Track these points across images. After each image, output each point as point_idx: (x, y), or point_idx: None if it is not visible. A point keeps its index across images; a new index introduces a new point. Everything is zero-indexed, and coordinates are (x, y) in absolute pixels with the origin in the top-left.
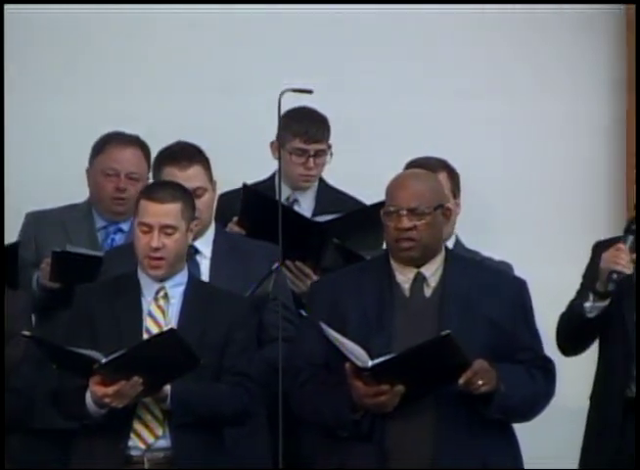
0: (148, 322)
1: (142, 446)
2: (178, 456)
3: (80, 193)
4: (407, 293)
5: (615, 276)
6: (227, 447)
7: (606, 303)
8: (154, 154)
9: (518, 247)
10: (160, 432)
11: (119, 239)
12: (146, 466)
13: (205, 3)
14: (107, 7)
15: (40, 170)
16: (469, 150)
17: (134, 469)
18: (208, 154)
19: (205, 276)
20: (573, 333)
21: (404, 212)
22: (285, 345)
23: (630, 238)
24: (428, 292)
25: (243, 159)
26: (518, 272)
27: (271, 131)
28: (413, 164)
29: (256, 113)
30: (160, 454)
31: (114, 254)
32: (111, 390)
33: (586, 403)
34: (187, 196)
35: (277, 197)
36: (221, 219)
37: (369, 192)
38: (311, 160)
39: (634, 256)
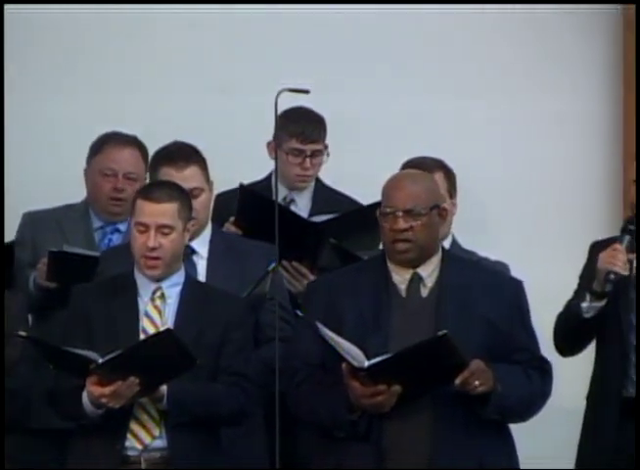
0: (144, 322)
1: (139, 447)
2: (175, 456)
3: (80, 193)
4: (404, 293)
5: (612, 277)
6: (224, 448)
7: (603, 303)
8: (151, 154)
9: (515, 247)
10: (156, 432)
11: (117, 239)
12: (143, 466)
13: (204, 3)
14: (107, 7)
15: (40, 170)
16: (465, 150)
17: (131, 469)
18: (205, 154)
19: (201, 276)
20: (571, 333)
21: (400, 214)
22: (281, 345)
23: (627, 238)
24: (424, 292)
25: (240, 159)
26: (514, 272)
27: (268, 131)
28: (409, 165)
29: (253, 113)
30: (156, 455)
31: (110, 254)
32: (107, 390)
33: (582, 404)
34: (184, 196)
35: (274, 197)
36: (218, 219)
37: (366, 192)
38: (308, 160)
39: (631, 255)
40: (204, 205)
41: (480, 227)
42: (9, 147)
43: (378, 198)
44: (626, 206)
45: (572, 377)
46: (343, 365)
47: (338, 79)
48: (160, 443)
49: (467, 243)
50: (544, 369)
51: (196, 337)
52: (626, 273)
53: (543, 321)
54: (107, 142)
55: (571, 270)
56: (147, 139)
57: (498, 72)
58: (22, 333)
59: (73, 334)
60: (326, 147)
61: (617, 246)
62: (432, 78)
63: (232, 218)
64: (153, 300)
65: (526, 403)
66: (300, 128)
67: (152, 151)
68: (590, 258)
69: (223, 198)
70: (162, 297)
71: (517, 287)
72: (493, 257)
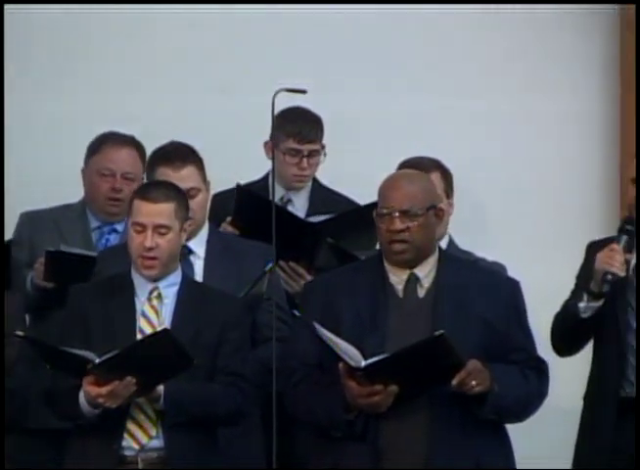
0: (141, 322)
1: (136, 447)
2: (172, 456)
3: (80, 193)
4: (401, 293)
5: (609, 277)
6: (221, 448)
7: (600, 303)
8: (149, 154)
9: (512, 247)
10: (153, 432)
11: (114, 239)
12: (140, 466)
13: (203, 3)
14: (107, 7)
15: (40, 170)
16: (463, 150)
17: (128, 469)
18: (202, 154)
19: (198, 276)
20: (568, 333)
21: (396, 214)
22: (279, 345)
23: (624, 238)
24: (421, 292)
25: (237, 159)
26: (511, 272)
27: (265, 131)
28: (406, 165)
29: (250, 113)
30: (153, 454)
31: (107, 254)
32: (104, 390)
33: (579, 404)
34: (181, 196)
35: (270, 197)
36: (215, 219)
37: (363, 192)
38: (305, 160)
39: (628, 255)
40: (200, 205)
41: (477, 227)
42: (9, 147)
43: (375, 198)
44: (623, 206)
45: (569, 377)
46: (340, 365)
47: (335, 79)
48: (157, 443)
49: (464, 243)
50: (541, 369)
51: (193, 337)
52: (623, 274)
53: (540, 321)
54: (104, 142)
55: (569, 271)
56: (145, 139)
57: (496, 73)
58: (20, 333)
59: (71, 334)
60: (323, 147)
61: (615, 246)
62: (429, 78)
63: (229, 218)
64: (150, 300)
65: (523, 404)
66: (298, 128)
67: (149, 151)
68: (587, 259)
69: (220, 198)
70: (159, 297)
71: (513, 287)
72: (490, 257)
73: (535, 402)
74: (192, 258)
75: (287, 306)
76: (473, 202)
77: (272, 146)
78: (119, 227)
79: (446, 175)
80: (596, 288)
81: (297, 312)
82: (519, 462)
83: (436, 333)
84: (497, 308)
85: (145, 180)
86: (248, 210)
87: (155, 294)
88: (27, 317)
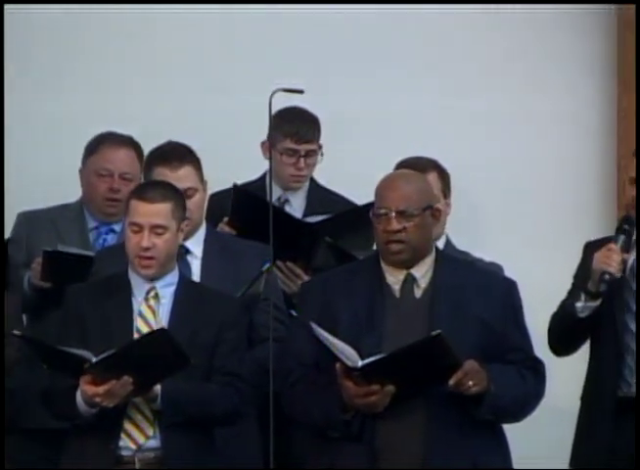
0: (138, 322)
1: (132, 447)
2: (168, 456)
3: (80, 193)
4: (397, 294)
5: (606, 277)
6: (218, 447)
7: (597, 302)
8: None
9: (509, 247)
10: (150, 432)
11: (111, 239)
12: (137, 466)
13: (201, 3)
14: (107, 7)
15: (40, 170)
16: (462, 150)
17: (125, 469)
18: (199, 154)
19: (195, 276)
20: (565, 333)
21: (393, 215)
22: (275, 345)
23: (622, 238)
24: (418, 293)
25: (234, 159)
26: (509, 273)
27: (262, 131)
28: (403, 165)
29: (248, 113)
30: (150, 454)
31: (104, 254)
32: (101, 389)
33: (576, 404)
34: (178, 196)
35: (268, 197)
36: (212, 219)
37: (361, 192)
38: (302, 160)
39: (626, 255)
40: (198, 205)
41: (474, 227)
42: (9, 147)
43: (371, 198)
44: (621, 206)
45: (567, 377)
46: (337, 365)
47: (334, 79)
48: (154, 442)
49: (461, 243)
50: (537, 369)
51: (190, 337)
52: (619, 275)
53: (537, 321)
54: (102, 142)
55: (566, 271)
56: (143, 139)
57: (494, 72)
58: (17, 332)
59: (68, 334)
60: (320, 147)
61: (612, 246)
62: (427, 78)
63: (226, 218)
64: (147, 300)
65: (520, 404)
66: (295, 128)
67: (147, 151)
68: (584, 259)
69: (217, 198)
70: (156, 297)
71: (510, 287)
72: (487, 257)
73: (532, 403)
74: (189, 257)
75: (284, 307)
76: (470, 202)
77: (269, 146)
78: (117, 227)
79: (443, 175)
80: (593, 288)
81: (294, 312)
82: (516, 462)
83: (433, 333)
84: (494, 309)
85: (142, 180)
86: (245, 210)
87: (152, 294)
88: (25, 317)
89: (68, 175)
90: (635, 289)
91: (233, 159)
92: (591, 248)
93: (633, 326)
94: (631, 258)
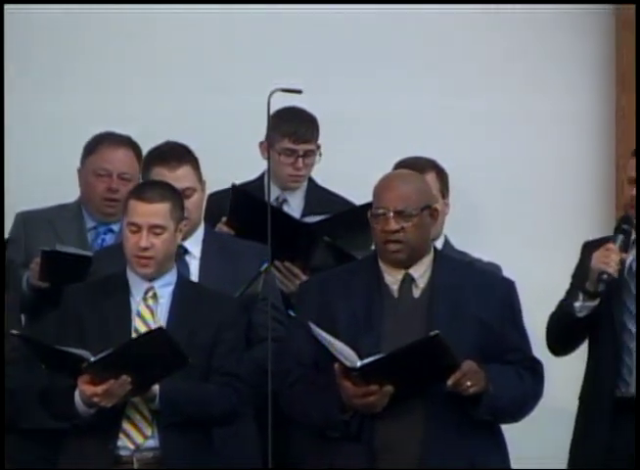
0: (137, 322)
1: (131, 447)
2: (167, 456)
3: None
4: (396, 294)
5: (605, 277)
6: (216, 447)
7: (596, 302)
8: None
9: (508, 247)
10: (148, 432)
11: (110, 239)
12: (135, 466)
13: (200, 3)
14: (107, 7)
15: (40, 170)
16: (460, 150)
17: (123, 469)
18: (198, 154)
19: (194, 276)
20: (563, 333)
21: (391, 215)
22: (274, 345)
23: (620, 237)
24: (416, 293)
25: (232, 159)
26: (507, 273)
27: (261, 131)
28: (402, 165)
29: (246, 113)
30: (148, 454)
31: (103, 254)
32: (99, 389)
33: (574, 404)
34: (176, 196)
35: (266, 197)
36: (210, 219)
37: (360, 192)
38: (300, 160)
39: (624, 255)
40: (196, 204)
41: (473, 228)
42: (9, 147)
43: (370, 198)
44: (619, 206)
45: (565, 377)
46: (336, 365)
47: (333, 79)
48: (153, 442)
49: (460, 243)
50: (536, 370)
51: (188, 337)
52: (616, 275)
53: (536, 322)
54: (101, 142)
55: (564, 270)
56: (141, 139)
57: (492, 72)
58: (14, 332)
59: (66, 334)
60: (318, 147)
61: (611, 245)
62: (427, 78)
63: (224, 219)
64: (145, 300)
65: (518, 404)
66: (293, 128)
67: (146, 151)
68: (583, 258)
69: (215, 198)
70: (155, 297)
71: (508, 287)
72: (486, 257)
73: (530, 403)
74: (187, 257)
75: (282, 307)
76: (469, 202)
77: (268, 146)
78: (115, 227)
79: (442, 175)
80: (592, 287)
81: (292, 313)
82: (514, 462)
83: (432, 333)
84: (492, 309)
85: (141, 180)
86: (243, 210)
87: (150, 294)
88: (23, 317)
89: (67, 175)
90: (633, 289)
91: (231, 159)
92: (589, 248)
93: (631, 326)
94: (630, 257)
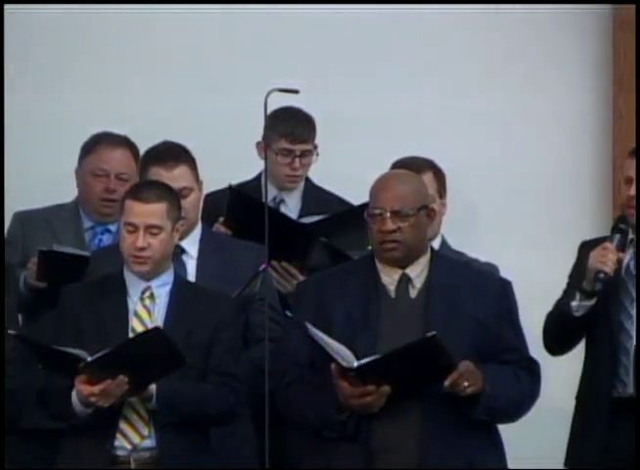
0: (134, 322)
1: (128, 447)
2: (164, 456)
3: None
4: (392, 294)
5: (601, 276)
6: (213, 447)
7: (592, 301)
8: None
9: (504, 247)
10: (145, 432)
11: (107, 239)
12: (132, 466)
13: (199, 3)
14: (107, 7)
15: (40, 170)
16: (458, 150)
17: (120, 469)
18: (195, 153)
19: (191, 276)
20: (560, 332)
21: (388, 215)
22: (271, 345)
23: (617, 237)
24: (413, 293)
25: (229, 159)
26: (504, 273)
27: (258, 131)
28: (399, 165)
29: (243, 112)
30: (145, 454)
31: (100, 254)
32: (97, 389)
33: (571, 404)
34: (173, 196)
35: (263, 197)
36: (207, 219)
37: (356, 192)
38: (297, 160)
39: (621, 254)
40: (193, 204)
41: (469, 227)
42: (9, 147)
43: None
44: (616, 205)
45: (562, 377)
46: (333, 365)
47: (333, 79)
48: (150, 442)
49: (457, 243)
50: (532, 370)
51: (185, 337)
52: (612, 275)
53: (532, 322)
54: (98, 142)
55: (561, 270)
56: (142, 139)
57: (489, 72)
58: (12, 331)
59: (63, 334)
60: (315, 147)
61: (608, 245)
62: (424, 78)
63: (221, 219)
64: (142, 299)
65: (515, 404)
66: (290, 128)
67: (143, 151)
68: (580, 258)
69: (212, 198)
70: (152, 296)
71: (505, 287)
72: (483, 257)
73: (527, 403)
74: (184, 257)
75: (279, 307)
76: (466, 202)
77: (265, 146)
78: (113, 228)
79: (439, 175)
80: (589, 286)
81: (289, 313)
82: (511, 462)
83: (429, 334)
84: (489, 309)
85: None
86: (240, 210)
87: (147, 294)
88: (20, 317)
89: (67, 175)
90: (630, 288)
91: (229, 159)
92: (586, 247)
93: (628, 326)
94: (627, 257)
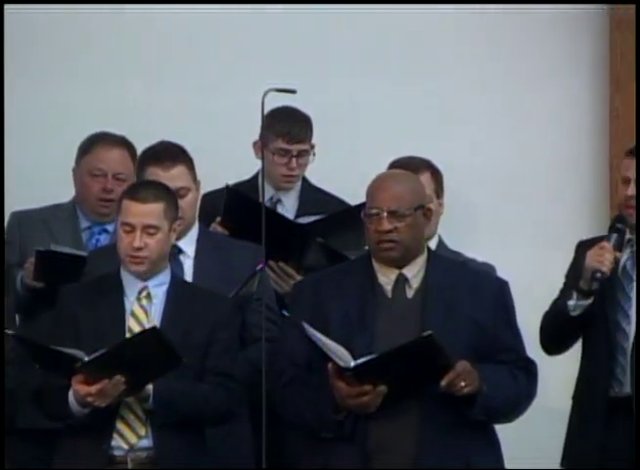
0: (131, 322)
1: (125, 447)
2: (161, 456)
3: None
4: (389, 294)
5: (598, 275)
6: (210, 447)
7: (589, 301)
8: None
9: (501, 247)
10: (142, 432)
11: (104, 239)
12: (129, 466)
13: (198, 3)
14: (107, 7)
15: (40, 170)
16: (454, 149)
17: (117, 469)
18: (192, 153)
19: (188, 276)
20: (557, 331)
21: (384, 215)
22: (268, 345)
23: (614, 236)
24: (410, 293)
25: (226, 159)
26: (501, 272)
27: (255, 131)
28: (396, 164)
29: (241, 112)
30: (142, 454)
31: (97, 254)
32: (93, 389)
33: (568, 403)
34: (170, 196)
35: (260, 197)
36: (204, 219)
37: (353, 192)
38: (294, 160)
39: (618, 254)
40: (190, 204)
41: (466, 228)
42: (9, 146)
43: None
44: (613, 205)
45: (558, 377)
46: (329, 365)
47: (327, 79)
48: (147, 442)
49: (454, 243)
50: (529, 370)
51: (182, 337)
52: (608, 274)
53: (529, 321)
54: (95, 142)
55: (558, 270)
56: (141, 139)
57: (487, 73)
58: (9, 331)
59: (60, 334)
60: (312, 147)
61: (605, 244)
62: (421, 78)
63: (218, 219)
64: (139, 299)
65: (512, 404)
66: (286, 128)
67: (140, 151)
68: (576, 257)
69: (210, 198)
70: (148, 296)
71: (502, 287)
72: (480, 257)
73: (524, 403)
74: (182, 257)
75: (276, 307)
76: (463, 202)
77: (262, 146)
78: (110, 228)
79: (436, 175)
80: (585, 286)
81: (285, 313)
82: (508, 462)
83: (425, 333)
84: (486, 309)
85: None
86: (237, 210)
87: (144, 294)
88: (17, 317)
89: (67, 175)
90: (627, 288)
91: (226, 158)
92: (583, 247)
93: (625, 325)
94: (624, 257)
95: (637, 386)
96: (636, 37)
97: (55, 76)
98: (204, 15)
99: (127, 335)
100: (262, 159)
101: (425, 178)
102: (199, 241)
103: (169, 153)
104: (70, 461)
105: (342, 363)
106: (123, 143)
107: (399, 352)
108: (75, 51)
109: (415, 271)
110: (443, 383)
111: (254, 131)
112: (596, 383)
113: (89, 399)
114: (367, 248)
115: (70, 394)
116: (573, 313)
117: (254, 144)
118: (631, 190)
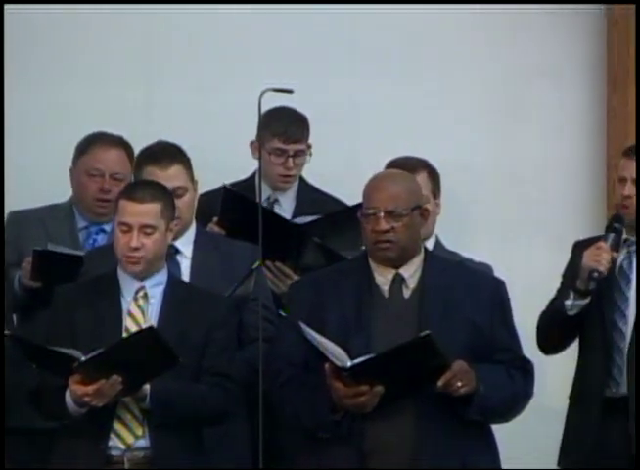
0: (127, 322)
1: (122, 446)
2: (158, 456)
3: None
4: (386, 294)
5: (595, 275)
6: (207, 447)
7: (586, 300)
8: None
9: (498, 247)
10: (139, 432)
11: (101, 239)
12: (126, 466)
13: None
14: (107, 7)
15: (40, 170)
16: (452, 149)
17: (114, 469)
18: (189, 153)
19: (185, 276)
20: (554, 331)
21: (381, 215)
22: (265, 345)
23: (611, 236)
24: (407, 293)
25: (224, 158)
26: (498, 272)
27: (252, 131)
28: (393, 164)
29: (238, 112)
30: (139, 454)
31: (94, 254)
32: (90, 388)
33: (565, 403)
34: (167, 196)
35: (257, 197)
36: (202, 219)
37: (350, 192)
38: (290, 160)
39: (615, 254)
40: (187, 204)
41: (464, 228)
42: (9, 147)
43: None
44: (610, 205)
45: (555, 376)
46: (326, 365)
47: (324, 79)
48: (144, 442)
49: (451, 243)
50: (526, 369)
51: (179, 337)
52: (605, 273)
53: (526, 321)
54: (93, 142)
55: (555, 270)
56: (141, 138)
57: (486, 73)
58: (6, 331)
59: (57, 334)
60: (309, 147)
61: (602, 244)
62: (419, 78)
63: (215, 219)
64: (136, 299)
65: (509, 404)
66: (283, 128)
67: (137, 150)
68: (573, 257)
69: (207, 197)
70: (145, 296)
71: (499, 287)
72: (478, 257)
73: (521, 403)
74: (179, 257)
75: (273, 307)
76: (460, 202)
77: (259, 146)
78: (107, 227)
79: (433, 175)
80: (582, 285)
81: (283, 313)
82: (504, 462)
83: (422, 334)
84: (483, 309)
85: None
86: (234, 210)
87: (141, 293)
88: (14, 317)
89: (67, 175)
90: (624, 288)
91: (223, 158)
92: (580, 247)
93: (622, 325)
94: (621, 256)
95: (635, 386)
96: (636, 38)
97: (55, 76)
98: (203, 15)
99: (124, 335)
100: (259, 159)
101: (422, 178)
102: (196, 241)
103: (166, 153)
104: (68, 461)
105: (339, 363)
106: (121, 143)
107: (396, 352)
108: (75, 51)
109: (412, 271)
110: (440, 383)
111: (251, 131)
112: (593, 383)
113: (86, 398)
114: (364, 248)
115: (67, 394)
116: (570, 313)
117: (251, 144)
118: (628, 190)
